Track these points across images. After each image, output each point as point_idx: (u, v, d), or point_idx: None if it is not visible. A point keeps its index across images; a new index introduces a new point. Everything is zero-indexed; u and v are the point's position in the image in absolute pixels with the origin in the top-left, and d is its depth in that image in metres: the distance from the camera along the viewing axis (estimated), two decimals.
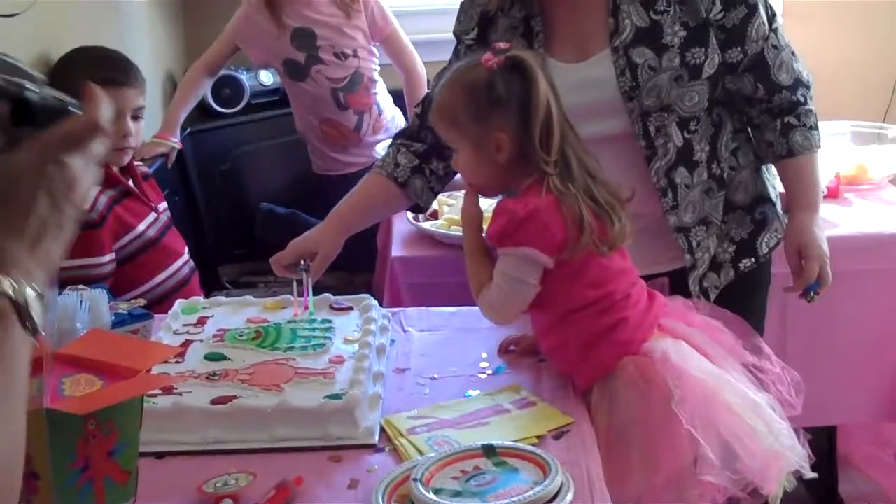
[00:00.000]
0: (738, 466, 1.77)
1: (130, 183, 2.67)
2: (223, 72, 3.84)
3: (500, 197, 1.93)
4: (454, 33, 2.28)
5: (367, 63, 3.54)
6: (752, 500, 1.83)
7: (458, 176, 2.04)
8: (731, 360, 1.91)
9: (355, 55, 3.49)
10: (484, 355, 2.05)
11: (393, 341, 2.12)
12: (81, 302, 1.96)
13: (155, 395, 1.78)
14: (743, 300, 2.23)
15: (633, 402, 1.81)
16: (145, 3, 3.83)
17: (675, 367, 1.81)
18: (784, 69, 2.16)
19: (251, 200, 3.91)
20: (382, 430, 1.75)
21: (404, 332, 2.19)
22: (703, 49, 2.08)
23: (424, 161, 2.30)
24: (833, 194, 3.02)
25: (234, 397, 1.79)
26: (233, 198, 3.94)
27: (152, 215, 2.68)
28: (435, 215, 2.92)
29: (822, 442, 3.13)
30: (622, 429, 1.80)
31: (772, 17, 2.16)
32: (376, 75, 3.61)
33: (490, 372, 1.98)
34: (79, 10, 3.05)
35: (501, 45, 1.88)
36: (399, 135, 2.39)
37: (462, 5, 2.27)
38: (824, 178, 2.96)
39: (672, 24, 2.06)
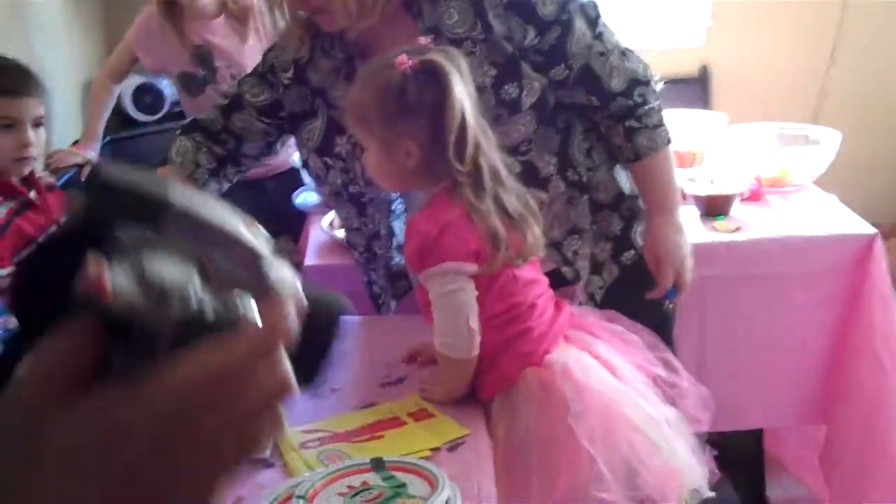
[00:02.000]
0: (637, 482, 1.74)
1: (32, 194, 2.60)
2: (142, 79, 3.79)
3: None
4: (270, 61, 2.20)
5: None
6: None
7: None
8: (638, 373, 1.88)
9: None
10: (387, 365, 2.00)
11: None
12: None
13: None
14: (639, 293, 2.18)
15: (532, 414, 1.78)
16: (59, 7, 3.75)
17: (575, 381, 1.78)
18: (615, 74, 2.08)
19: None
20: (276, 444, 1.70)
21: None
22: (516, 83, 2.01)
23: (221, 166, 2.25)
24: (755, 197, 3.00)
25: None
26: None
27: (53, 227, 2.61)
28: None
29: (750, 445, 3.12)
30: (521, 441, 1.77)
31: (593, 21, 2.07)
32: None
33: (391, 382, 1.94)
34: None
35: (422, 39, 1.83)
36: (196, 128, 2.27)
37: (279, 41, 2.19)
38: (746, 181, 2.97)
39: (480, 64, 1.99)
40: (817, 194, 3.08)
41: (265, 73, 2.20)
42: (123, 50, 3.48)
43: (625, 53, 2.11)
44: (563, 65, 2.04)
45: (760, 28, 4.36)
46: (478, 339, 1.78)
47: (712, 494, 1.82)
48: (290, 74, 2.15)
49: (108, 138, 3.58)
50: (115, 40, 3.62)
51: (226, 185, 2.28)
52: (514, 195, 1.83)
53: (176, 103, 3.91)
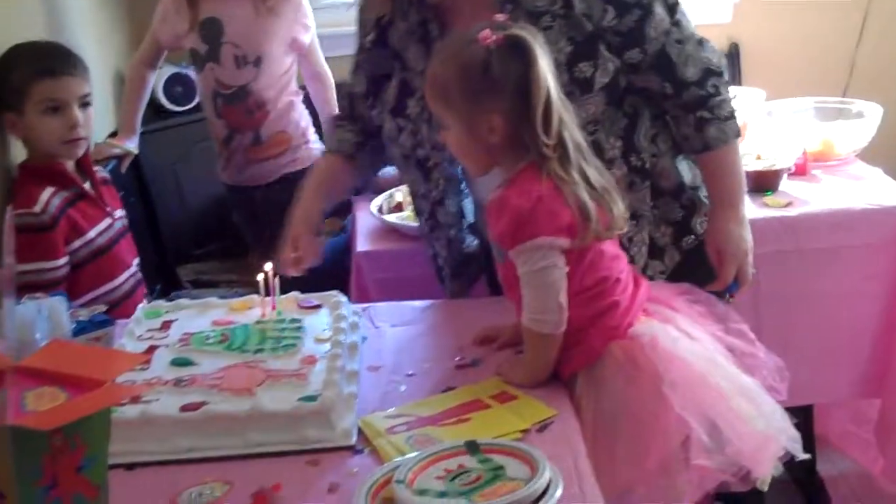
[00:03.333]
0: (729, 451, 1.73)
1: (87, 185, 2.58)
2: (174, 69, 3.76)
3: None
4: (358, 41, 2.25)
5: (263, 85, 3.32)
6: (742, 485, 1.78)
7: None
8: (717, 344, 1.88)
9: (256, 65, 3.31)
10: (459, 348, 1.99)
11: (365, 338, 2.06)
12: (40, 310, 1.89)
13: (122, 405, 1.71)
14: (698, 279, 2.13)
15: (621, 387, 1.76)
16: None
17: (664, 351, 1.77)
18: (690, 63, 2.07)
19: (208, 198, 3.84)
20: (360, 430, 1.69)
21: (376, 327, 2.13)
22: (591, 62, 2.01)
23: (366, 138, 2.29)
24: (801, 171, 2.99)
25: (204, 403, 1.72)
26: (189, 196, 3.86)
27: (106, 221, 2.58)
28: (400, 207, 2.85)
29: (800, 422, 3.10)
30: (609, 416, 1.75)
31: (672, 8, 2.07)
32: (275, 111, 3.37)
33: (466, 364, 1.93)
34: (10, 6, 2.91)
35: (499, 17, 1.82)
36: (334, 119, 2.40)
37: (359, 14, 2.22)
38: (792, 156, 2.96)
39: (556, 40, 1.97)
40: (863, 168, 3.07)
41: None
42: (152, 35, 3.46)
43: (701, 42, 2.10)
44: (638, 48, 2.04)
45: (788, 2, 4.32)
46: (566, 314, 1.78)
47: (808, 456, 1.82)
48: (372, 37, 2.17)
49: (141, 129, 3.55)
50: (144, 27, 3.60)
51: (376, 158, 2.35)
52: (595, 169, 1.83)
53: None
